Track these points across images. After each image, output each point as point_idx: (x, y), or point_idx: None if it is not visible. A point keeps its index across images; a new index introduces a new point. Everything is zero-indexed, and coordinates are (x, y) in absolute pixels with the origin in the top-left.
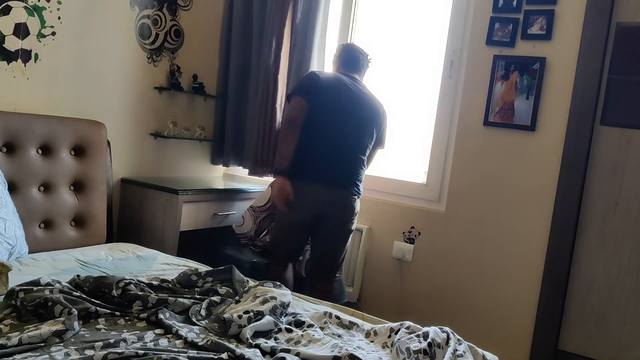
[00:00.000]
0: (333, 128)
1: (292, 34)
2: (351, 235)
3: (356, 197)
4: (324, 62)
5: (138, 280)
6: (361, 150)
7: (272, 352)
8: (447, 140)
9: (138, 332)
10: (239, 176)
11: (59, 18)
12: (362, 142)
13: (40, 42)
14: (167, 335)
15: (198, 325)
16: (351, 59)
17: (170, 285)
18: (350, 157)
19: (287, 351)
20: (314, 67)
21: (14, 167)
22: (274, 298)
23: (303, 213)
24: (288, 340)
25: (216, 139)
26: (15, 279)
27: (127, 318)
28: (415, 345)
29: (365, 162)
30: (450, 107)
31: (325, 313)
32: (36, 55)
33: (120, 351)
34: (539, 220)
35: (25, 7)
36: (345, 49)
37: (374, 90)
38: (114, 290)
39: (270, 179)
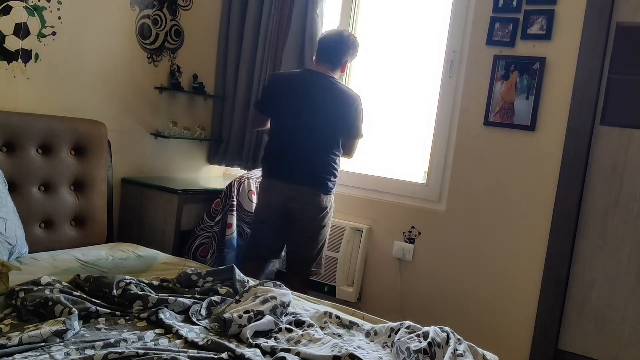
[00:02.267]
0: (292, 128)
1: (290, 33)
2: (324, 232)
3: (321, 193)
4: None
5: (138, 280)
6: (326, 146)
7: (272, 351)
8: (447, 140)
9: (138, 331)
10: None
11: (59, 18)
12: (326, 138)
13: (40, 42)
14: (168, 335)
15: (198, 324)
16: (323, 52)
17: (170, 285)
18: (313, 155)
19: (288, 351)
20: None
21: (14, 167)
22: (274, 298)
23: (269, 208)
24: (288, 340)
25: (216, 139)
26: (15, 279)
27: (127, 318)
28: (415, 344)
29: (334, 159)
30: (450, 107)
31: (325, 313)
32: (36, 55)
33: (120, 351)
34: (539, 219)
35: (25, 7)
36: (320, 42)
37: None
38: (114, 290)
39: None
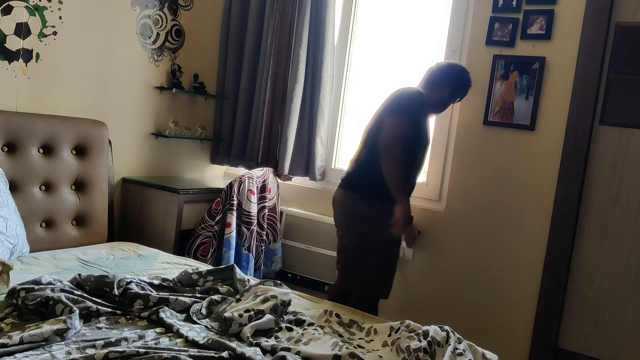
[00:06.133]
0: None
1: (293, 32)
2: (349, 234)
3: (350, 192)
4: (322, 61)
5: (139, 279)
6: (373, 151)
7: (273, 350)
8: (447, 139)
9: (139, 330)
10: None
11: (60, 18)
12: (371, 146)
13: (41, 41)
14: (168, 334)
15: (199, 324)
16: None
17: (171, 284)
18: (359, 161)
19: (288, 350)
20: (311, 67)
21: (15, 167)
22: (274, 297)
23: None
24: (289, 339)
25: (217, 139)
26: (16, 278)
27: (128, 317)
28: (415, 344)
29: (369, 162)
30: (450, 106)
31: (325, 312)
32: (37, 55)
33: (121, 350)
34: (539, 219)
35: (26, 7)
36: None
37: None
38: (115, 289)
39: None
